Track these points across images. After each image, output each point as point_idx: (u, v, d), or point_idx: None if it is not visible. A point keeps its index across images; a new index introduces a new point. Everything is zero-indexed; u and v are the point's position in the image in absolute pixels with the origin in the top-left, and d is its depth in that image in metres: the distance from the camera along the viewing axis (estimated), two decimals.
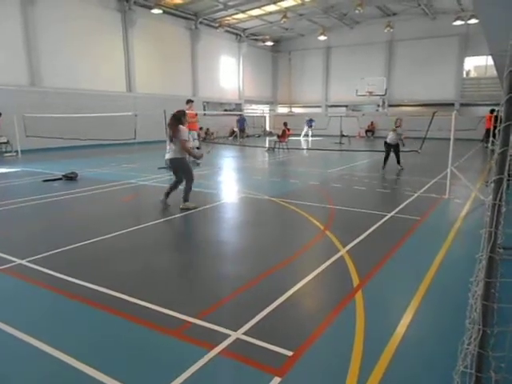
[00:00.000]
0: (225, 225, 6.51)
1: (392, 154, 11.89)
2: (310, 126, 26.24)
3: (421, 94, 28.77)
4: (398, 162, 12.00)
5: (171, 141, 6.90)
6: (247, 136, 28.89)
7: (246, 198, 8.32)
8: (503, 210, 1.71)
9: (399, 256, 4.88)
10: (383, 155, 12.03)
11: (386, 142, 12.01)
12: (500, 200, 1.67)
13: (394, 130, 11.73)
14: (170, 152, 6.98)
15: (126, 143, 18.28)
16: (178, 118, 6.96)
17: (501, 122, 1.66)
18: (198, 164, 12.02)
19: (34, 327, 3.18)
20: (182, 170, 7.12)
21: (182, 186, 7.26)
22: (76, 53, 19.68)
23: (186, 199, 7.12)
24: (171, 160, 7.01)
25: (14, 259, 4.62)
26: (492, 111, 21.18)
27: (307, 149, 17.93)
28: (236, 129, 27.64)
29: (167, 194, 7.21)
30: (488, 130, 20.10)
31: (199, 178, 10.83)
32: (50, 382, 2.58)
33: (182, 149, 6.90)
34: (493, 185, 1.70)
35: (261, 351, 2.82)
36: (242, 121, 28.20)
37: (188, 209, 7.03)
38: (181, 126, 6.92)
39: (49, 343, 2.91)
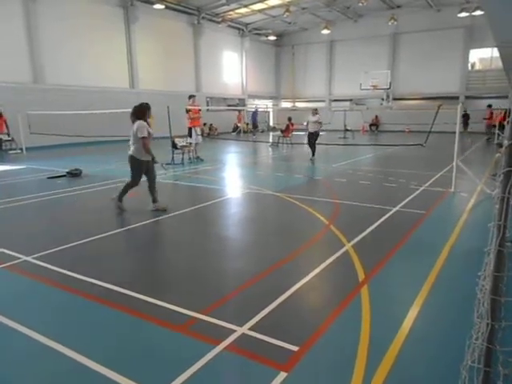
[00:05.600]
0: (229, 220, 6.50)
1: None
2: None
3: (425, 87, 28.52)
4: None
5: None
6: (251, 131, 28.65)
7: (250, 193, 8.31)
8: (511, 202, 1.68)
9: (405, 250, 4.85)
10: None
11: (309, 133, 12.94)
12: (509, 193, 1.65)
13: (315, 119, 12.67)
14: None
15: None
16: (135, 111, 6.34)
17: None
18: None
19: (40, 323, 3.19)
20: (132, 169, 6.55)
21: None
22: (79, 50, 19.67)
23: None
24: (129, 157, 6.49)
25: (19, 256, 4.64)
26: (489, 106, 21.03)
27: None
28: (239, 124, 27.48)
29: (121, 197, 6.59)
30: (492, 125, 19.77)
31: (203, 173, 10.83)
32: (57, 379, 2.60)
33: (141, 147, 6.30)
34: (501, 177, 1.67)
35: (266, 346, 2.82)
36: (254, 115, 26.67)
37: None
38: (139, 122, 6.25)
39: (56, 340, 2.92)
